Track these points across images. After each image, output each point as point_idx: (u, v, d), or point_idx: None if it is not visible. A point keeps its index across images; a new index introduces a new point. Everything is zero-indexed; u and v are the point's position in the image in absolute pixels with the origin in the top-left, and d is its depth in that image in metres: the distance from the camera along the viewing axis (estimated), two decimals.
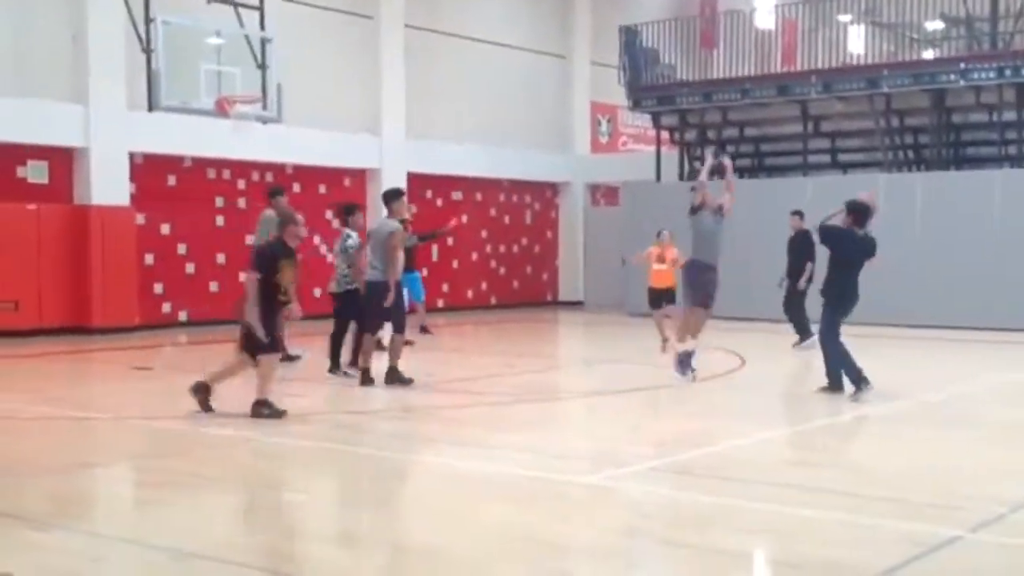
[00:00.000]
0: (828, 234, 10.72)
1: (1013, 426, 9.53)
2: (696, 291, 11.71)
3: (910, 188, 19.64)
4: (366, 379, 11.44)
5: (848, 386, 10.54)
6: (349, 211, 12.63)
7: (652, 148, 24.19)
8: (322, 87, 20.70)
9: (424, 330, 17.12)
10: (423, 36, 22.72)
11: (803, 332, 15.17)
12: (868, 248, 10.68)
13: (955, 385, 12.16)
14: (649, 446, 8.76)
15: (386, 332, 11.75)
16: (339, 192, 21.52)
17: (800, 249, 15.49)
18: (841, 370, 10.57)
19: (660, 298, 14.75)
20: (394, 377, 11.32)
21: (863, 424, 9.89)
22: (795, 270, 15.50)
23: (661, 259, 14.65)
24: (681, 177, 23.07)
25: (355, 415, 10.33)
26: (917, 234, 19.22)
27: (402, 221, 11.72)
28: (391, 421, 10.20)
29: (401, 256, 11.72)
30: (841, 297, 10.55)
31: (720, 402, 11.07)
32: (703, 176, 12.27)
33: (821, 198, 20.75)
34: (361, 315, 11.71)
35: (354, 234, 12.31)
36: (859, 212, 10.62)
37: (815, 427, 9.83)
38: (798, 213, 15.77)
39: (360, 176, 21.87)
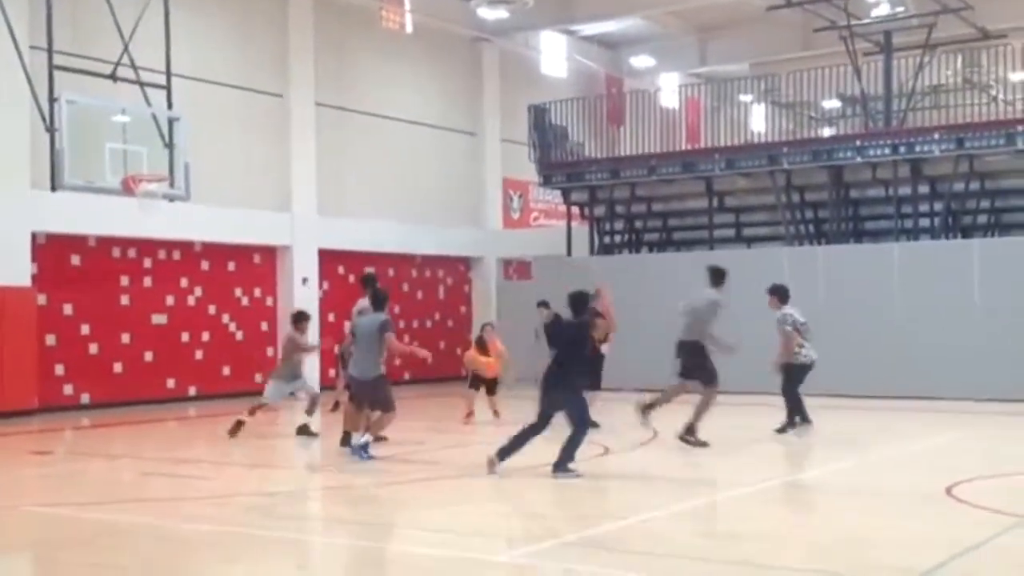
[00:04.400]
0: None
1: (916, 495, 9.71)
2: None
3: (812, 261, 20.17)
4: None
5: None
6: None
7: (563, 223, 24.52)
8: (231, 164, 20.59)
9: (336, 407, 16.93)
10: (334, 114, 22.80)
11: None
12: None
13: (858, 455, 12.38)
14: (563, 521, 8.72)
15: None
16: (249, 269, 21.33)
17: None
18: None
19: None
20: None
21: (775, 493, 9.99)
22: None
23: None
24: (592, 251, 23.39)
25: (269, 496, 10.12)
26: (819, 306, 19.64)
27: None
28: (304, 503, 10.06)
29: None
30: None
31: (634, 473, 11.10)
32: None
33: (729, 271, 21.27)
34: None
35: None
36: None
37: (728, 497, 9.89)
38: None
39: (271, 253, 21.70)
